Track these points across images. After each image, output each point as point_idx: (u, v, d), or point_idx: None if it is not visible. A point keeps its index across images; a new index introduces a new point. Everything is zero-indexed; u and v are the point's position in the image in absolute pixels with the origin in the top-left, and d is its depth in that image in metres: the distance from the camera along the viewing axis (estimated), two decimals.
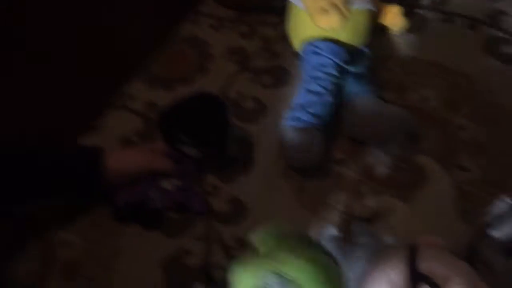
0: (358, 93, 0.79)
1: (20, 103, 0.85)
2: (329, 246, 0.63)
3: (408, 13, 0.90)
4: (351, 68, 0.80)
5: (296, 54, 0.88)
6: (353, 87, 0.80)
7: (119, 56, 0.99)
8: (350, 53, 0.81)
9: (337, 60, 0.79)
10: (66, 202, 0.76)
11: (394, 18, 0.88)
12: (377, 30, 0.88)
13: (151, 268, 0.71)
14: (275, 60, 0.92)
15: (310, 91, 0.78)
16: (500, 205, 0.57)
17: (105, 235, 0.75)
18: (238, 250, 0.71)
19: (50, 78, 0.91)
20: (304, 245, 0.53)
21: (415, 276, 0.48)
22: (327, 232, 0.67)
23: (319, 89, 0.77)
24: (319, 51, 0.80)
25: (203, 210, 0.75)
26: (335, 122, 0.79)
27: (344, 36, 0.81)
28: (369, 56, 0.84)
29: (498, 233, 0.57)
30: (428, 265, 0.49)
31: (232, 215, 0.75)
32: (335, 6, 0.79)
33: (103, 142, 0.85)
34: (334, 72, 0.78)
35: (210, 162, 0.78)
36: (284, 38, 0.92)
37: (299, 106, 0.78)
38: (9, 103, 0.81)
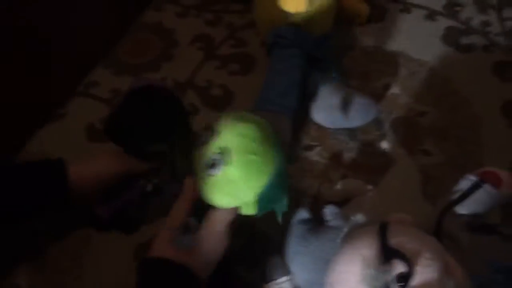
0: (324, 80, 0.80)
1: None
2: (302, 229, 0.64)
3: (369, 3, 0.93)
4: (316, 55, 0.81)
5: (262, 42, 0.89)
6: (318, 74, 0.81)
7: (82, 43, 0.97)
8: (316, 40, 0.82)
9: (303, 47, 0.79)
10: (45, 222, 0.72)
11: (357, 5, 0.90)
12: (341, 20, 0.90)
13: (123, 256, 0.70)
14: (242, 48, 0.92)
15: (277, 77, 0.78)
16: (464, 183, 0.60)
17: (77, 225, 0.73)
18: None
19: (12, 66, 0.88)
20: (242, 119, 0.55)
21: (386, 251, 0.49)
22: (300, 216, 0.67)
23: (286, 74, 0.78)
24: (285, 38, 0.80)
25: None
26: (302, 109, 0.80)
27: (309, 22, 0.82)
28: (333, 44, 0.86)
29: (463, 210, 0.59)
30: (398, 240, 0.50)
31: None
32: None
33: (68, 130, 0.84)
34: (300, 59, 0.79)
35: (179, 150, 0.77)
36: (250, 26, 0.93)
37: (266, 93, 0.78)
38: None
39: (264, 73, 0.82)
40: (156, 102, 0.67)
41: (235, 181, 0.52)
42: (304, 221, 0.66)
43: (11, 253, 0.70)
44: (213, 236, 0.57)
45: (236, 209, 0.56)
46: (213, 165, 0.52)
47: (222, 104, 0.85)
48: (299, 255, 0.63)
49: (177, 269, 0.54)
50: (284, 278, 0.63)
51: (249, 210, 0.56)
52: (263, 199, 0.55)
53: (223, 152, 0.52)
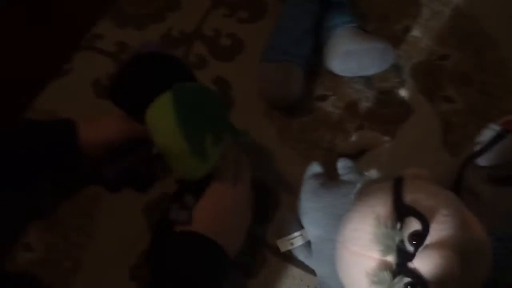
0: (339, 25, 0.75)
1: None
2: (314, 184, 0.62)
3: None
4: None
5: None
6: (333, 19, 0.76)
7: None
8: None
9: None
10: (52, 182, 0.71)
11: None
12: None
13: (133, 214, 0.70)
14: None
15: (289, 24, 0.74)
16: (487, 133, 0.56)
17: (87, 184, 0.73)
18: None
19: (16, 22, 0.86)
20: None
21: (401, 209, 0.47)
22: (312, 170, 0.65)
23: (298, 21, 0.73)
24: None
25: None
26: (315, 57, 0.75)
27: None
28: None
29: (484, 162, 0.56)
30: (414, 196, 0.48)
31: None
32: None
33: (74, 86, 0.82)
34: (313, 4, 0.74)
35: None
36: None
37: (276, 40, 0.74)
38: None
39: (275, 19, 0.77)
40: (160, 68, 0.65)
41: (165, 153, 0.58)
42: (316, 175, 0.64)
43: (21, 212, 0.71)
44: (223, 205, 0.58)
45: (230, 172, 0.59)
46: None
47: (232, 54, 0.81)
48: (311, 211, 0.61)
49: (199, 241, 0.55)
50: (296, 233, 0.62)
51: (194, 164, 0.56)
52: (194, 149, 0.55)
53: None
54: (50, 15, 0.91)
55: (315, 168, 0.65)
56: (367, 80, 0.75)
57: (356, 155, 0.68)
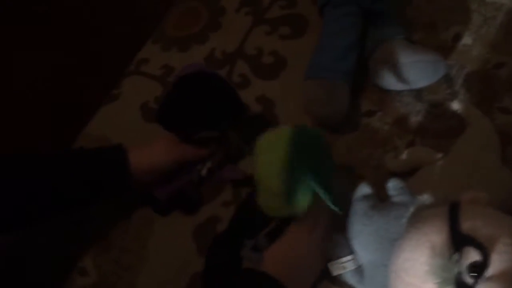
0: (384, 37, 0.72)
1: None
2: (364, 206, 0.60)
3: None
4: (375, 9, 0.73)
5: (314, 0, 0.82)
6: (378, 31, 0.73)
7: (132, 21, 0.97)
8: None
9: (359, 2, 0.72)
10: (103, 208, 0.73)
11: None
12: None
13: (183, 237, 0.70)
14: (292, 8, 0.86)
15: (331, 37, 0.72)
16: None
17: (136, 208, 0.74)
18: None
19: (70, 49, 0.90)
20: None
21: (457, 237, 0.44)
22: (360, 191, 0.63)
23: (341, 35, 0.72)
24: None
25: (239, 178, 0.72)
26: (361, 71, 0.73)
27: None
28: None
29: None
30: (472, 224, 0.45)
31: None
32: None
33: (123, 110, 0.85)
34: (357, 16, 0.72)
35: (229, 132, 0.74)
36: None
37: (320, 57, 0.72)
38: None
39: (318, 34, 0.76)
40: (206, 89, 0.67)
41: (262, 177, 0.58)
42: (366, 197, 0.62)
43: (73, 237, 0.73)
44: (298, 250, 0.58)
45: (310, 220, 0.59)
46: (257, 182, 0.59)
47: (275, 72, 0.81)
48: (362, 234, 0.59)
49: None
50: (348, 258, 0.60)
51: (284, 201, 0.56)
52: (287, 184, 0.55)
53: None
54: (100, 42, 0.95)
55: (365, 189, 0.63)
56: (417, 93, 0.72)
57: (408, 173, 0.65)
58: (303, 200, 0.56)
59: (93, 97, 0.88)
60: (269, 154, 0.57)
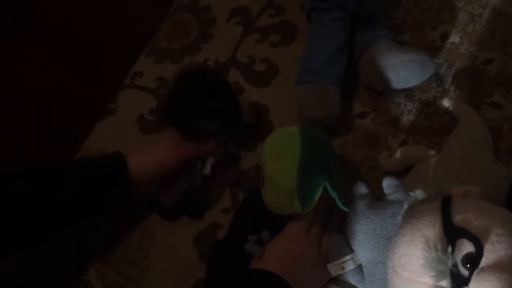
0: (372, 39, 0.73)
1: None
2: (361, 205, 0.61)
3: None
4: (361, 13, 0.74)
5: (302, 7, 0.83)
6: (365, 34, 0.74)
7: (125, 35, 0.98)
8: None
9: (345, 6, 0.73)
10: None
11: None
12: None
13: (184, 245, 0.71)
14: (281, 16, 0.87)
15: (319, 43, 0.73)
16: None
17: (136, 218, 0.75)
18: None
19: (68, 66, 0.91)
20: None
21: (450, 230, 0.45)
22: (356, 190, 0.64)
23: (329, 40, 0.73)
24: None
25: (238, 178, 0.74)
26: (351, 73, 0.74)
27: None
28: None
29: None
30: (464, 217, 0.46)
31: (256, 183, 0.73)
32: None
33: (120, 123, 0.86)
34: (343, 20, 0.73)
35: (228, 129, 0.75)
36: None
37: (310, 62, 0.73)
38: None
39: (307, 40, 0.77)
40: (206, 80, 0.69)
41: (272, 183, 0.58)
42: (362, 196, 0.63)
43: (75, 249, 0.74)
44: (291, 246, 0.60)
45: (307, 219, 0.62)
46: (262, 182, 0.61)
47: (267, 79, 0.82)
48: (359, 233, 0.60)
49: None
50: (347, 257, 0.61)
51: (298, 206, 0.58)
52: (302, 188, 0.56)
53: (263, 168, 0.61)
54: (96, 56, 0.96)
55: (361, 188, 0.64)
56: (407, 93, 0.73)
57: (403, 171, 0.66)
58: (314, 199, 0.57)
59: (91, 113, 0.89)
60: (280, 155, 0.59)
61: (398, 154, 0.67)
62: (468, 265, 0.43)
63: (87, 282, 0.72)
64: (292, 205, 0.58)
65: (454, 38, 0.76)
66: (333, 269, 0.61)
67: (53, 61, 0.98)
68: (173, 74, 0.70)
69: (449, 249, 0.44)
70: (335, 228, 0.64)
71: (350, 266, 0.61)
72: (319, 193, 0.57)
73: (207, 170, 0.73)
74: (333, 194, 0.57)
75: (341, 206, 0.57)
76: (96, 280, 0.72)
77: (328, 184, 0.56)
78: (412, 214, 0.50)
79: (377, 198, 0.64)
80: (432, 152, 0.65)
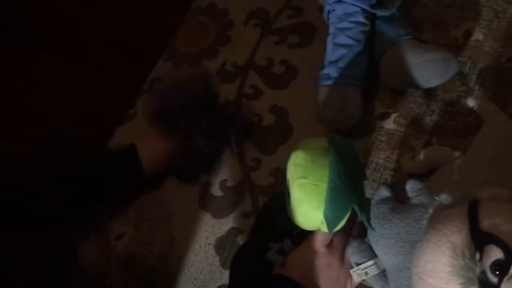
0: (393, 39, 0.72)
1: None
2: (384, 209, 0.60)
3: None
4: (380, 12, 0.73)
5: (320, 7, 0.82)
6: (386, 34, 0.73)
7: (143, 40, 0.98)
8: None
9: (363, 6, 0.72)
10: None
11: None
12: None
13: (205, 251, 0.71)
14: (299, 17, 0.86)
15: (339, 45, 0.72)
16: None
17: (156, 224, 0.75)
18: None
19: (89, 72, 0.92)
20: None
21: (478, 236, 0.43)
22: (379, 194, 0.62)
23: (348, 40, 0.72)
24: None
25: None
26: (371, 74, 0.73)
27: None
28: None
29: None
30: (492, 222, 0.44)
31: (276, 186, 0.72)
32: None
33: (138, 129, 0.86)
34: (363, 19, 0.72)
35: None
36: None
37: (329, 63, 0.72)
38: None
39: (325, 41, 0.76)
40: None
41: (299, 205, 0.55)
42: (385, 200, 0.61)
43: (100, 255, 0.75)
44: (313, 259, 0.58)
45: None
46: (288, 195, 0.58)
47: (286, 81, 0.81)
48: (382, 238, 0.58)
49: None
50: (369, 263, 0.60)
51: (325, 228, 0.55)
52: (330, 214, 0.54)
53: (288, 182, 0.57)
54: (115, 64, 0.97)
55: (383, 191, 0.63)
56: (430, 92, 0.71)
57: (426, 174, 0.64)
58: (341, 223, 0.55)
59: (111, 119, 0.89)
60: (308, 176, 0.54)
61: (421, 156, 0.66)
62: (497, 272, 0.41)
63: (110, 287, 0.73)
64: (318, 226, 0.56)
65: (478, 35, 0.74)
66: (356, 275, 0.60)
67: (66, 64, 0.99)
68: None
69: (477, 255, 0.42)
70: (357, 233, 0.63)
71: (373, 271, 0.59)
72: (347, 216, 0.55)
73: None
74: (361, 217, 0.55)
75: (368, 227, 0.56)
76: (118, 284, 0.72)
77: (357, 207, 0.54)
78: (437, 219, 0.48)
79: (401, 202, 0.62)
80: (457, 154, 0.63)
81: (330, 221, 0.54)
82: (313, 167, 0.54)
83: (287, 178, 0.57)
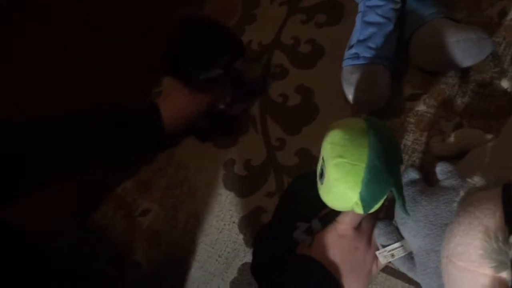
0: (424, 18, 0.70)
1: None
2: (412, 191, 0.59)
3: None
4: None
5: None
6: (417, 12, 0.71)
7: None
8: None
9: None
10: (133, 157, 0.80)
11: None
12: None
13: (229, 229, 0.71)
14: None
15: (368, 23, 0.71)
16: None
17: (181, 201, 0.76)
18: None
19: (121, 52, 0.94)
20: None
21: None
22: (408, 176, 0.62)
23: (378, 19, 0.70)
24: None
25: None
26: (401, 53, 0.71)
27: None
28: None
29: None
30: None
31: (301, 167, 0.72)
32: None
33: None
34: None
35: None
36: None
37: (358, 42, 0.71)
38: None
39: (354, 19, 0.75)
40: (202, 31, 0.71)
41: (334, 184, 0.53)
42: (413, 182, 0.60)
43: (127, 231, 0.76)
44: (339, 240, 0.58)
45: (357, 214, 0.58)
46: (320, 174, 0.56)
47: (312, 60, 0.80)
48: (410, 220, 0.58)
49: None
50: (397, 244, 0.59)
51: (359, 209, 0.54)
52: (367, 196, 0.52)
53: (323, 161, 0.55)
54: (141, 42, 0.97)
55: (412, 174, 0.62)
56: (462, 73, 0.69)
57: (456, 156, 0.63)
58: (378, 205, 0.54)
59: (137, 94, 0.89)
60: (345, 156, 0.53)
61: (452, 138, 0.64)
62: None
63: (136, 263, 0.74)
64: (352, 207, 0.55)
65: None
66: (382, 257, 0.59)
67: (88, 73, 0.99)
68: (172, 23, 0.73)
69: (511, 239, 0.41)
70: (384, 215, 0.62)
71: (400, 253, 0.59)
72: (384, 198, 0.53)
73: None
74: (398, 200, 0.53)
75: (404, 212, 0.55)
76: (144, 260, 0.73)
77: (395, 189, 0.53)
78: (470, 201, 0.47)
79: (429, 184, 0.61)
80: (489, 136, 0.62)
81: (366, 202, 0.53)
82: (351, 146, 0.53)
83: (321, 156, 0.56)
